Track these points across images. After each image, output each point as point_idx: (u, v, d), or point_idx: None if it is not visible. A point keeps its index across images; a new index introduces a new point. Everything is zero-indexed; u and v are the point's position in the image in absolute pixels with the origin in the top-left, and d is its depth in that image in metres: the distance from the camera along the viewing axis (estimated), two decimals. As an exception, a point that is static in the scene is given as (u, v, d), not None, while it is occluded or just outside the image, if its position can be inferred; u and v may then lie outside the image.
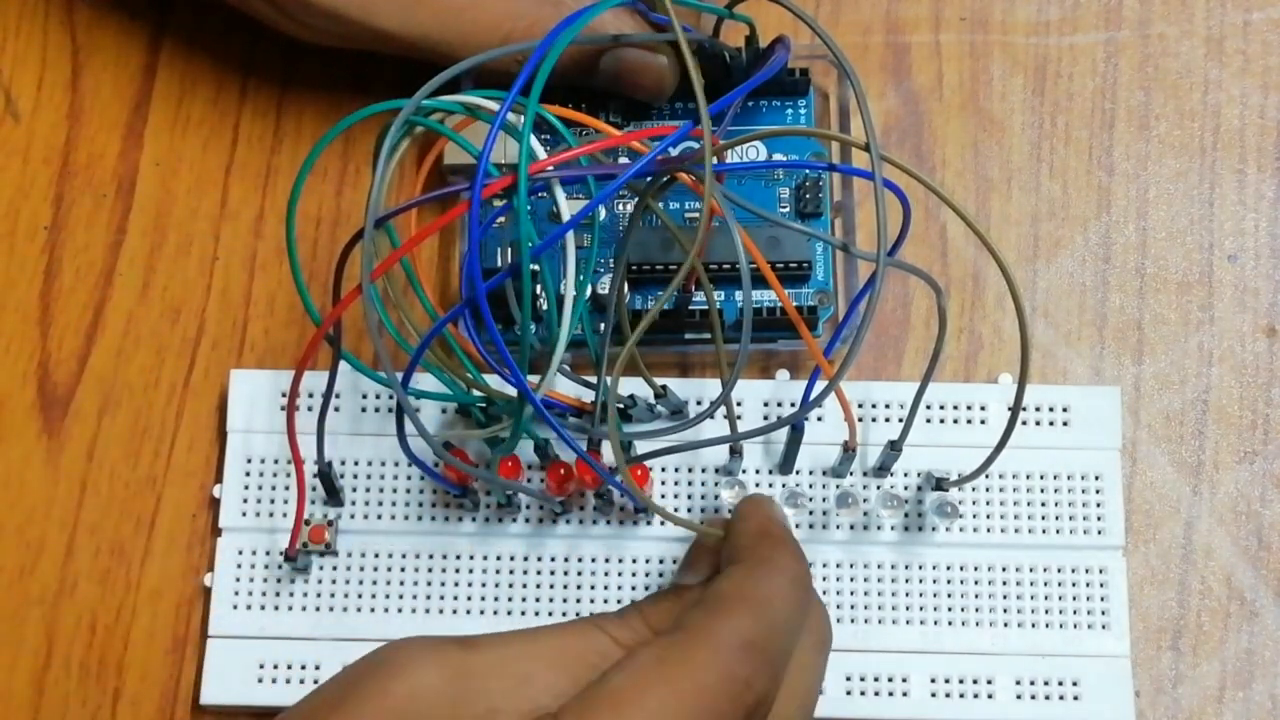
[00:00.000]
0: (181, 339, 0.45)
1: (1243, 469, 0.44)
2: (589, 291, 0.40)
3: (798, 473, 0.42)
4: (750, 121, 0.45)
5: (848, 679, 0.41)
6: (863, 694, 0.41)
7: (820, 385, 0.39)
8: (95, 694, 0.43)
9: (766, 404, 0.43)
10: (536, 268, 0.36)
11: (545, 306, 0.39)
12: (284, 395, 0.43)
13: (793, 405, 0.43)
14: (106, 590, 0.43)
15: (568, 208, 0.35)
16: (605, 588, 0.42)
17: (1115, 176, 0.46)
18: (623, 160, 0.43)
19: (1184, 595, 0.43)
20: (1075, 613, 0.42)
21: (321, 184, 0.46)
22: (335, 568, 0.42)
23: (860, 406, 0.43)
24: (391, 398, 0.43)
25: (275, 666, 0.42)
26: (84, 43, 0.48)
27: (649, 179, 0.37)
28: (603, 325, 0.39)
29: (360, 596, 0.42)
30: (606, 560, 0.42)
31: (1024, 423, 0.43)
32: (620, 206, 0.44)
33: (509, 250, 0.43)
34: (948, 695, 0.41)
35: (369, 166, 0.46)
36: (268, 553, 0.43)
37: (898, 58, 0.47)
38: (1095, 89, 0.47)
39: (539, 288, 0.40)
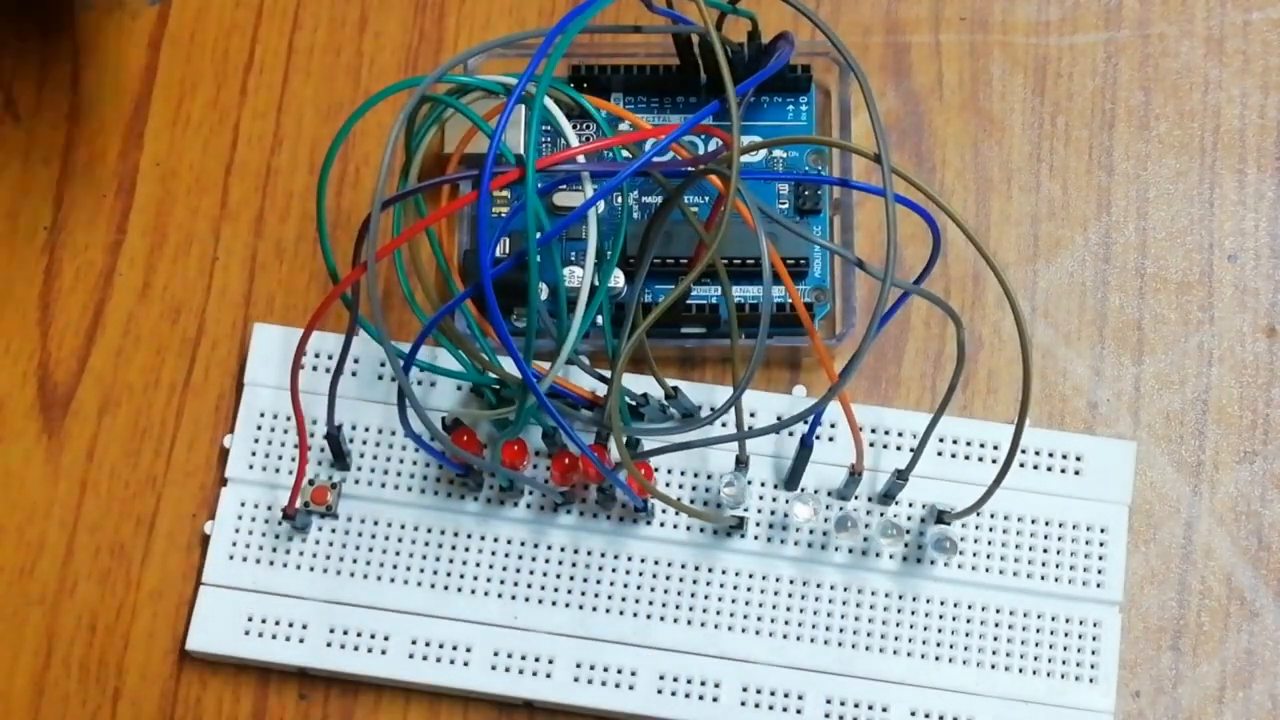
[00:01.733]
0: (181, 339, 0.45)
1: (1243, 469, 0.44)
2: (596, 282, 0.40)
3: (802, 490, 0.42)
4: (751, 117, 0.45)
5: (828, 701, 0.41)
6: (841, 718, 0.41)
7: (826, 390, 0.39)
8: (95, 694, 0.43)
9: (780, 417, 0.43)
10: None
11: (544, 296, 0.40)
12: (316, 355, 0.44)
13: (805, 422, 0.42)
14: (106, 590, 0.43)
15: (590, 191, 0.35)
16: (599, 583, 0.42)
17: (1115, 176, 0.46)
18: (625, 155, 0.43)
19: (1184, 595, 0.43)
20: (1064, 663, 0.41)
21: (321, 184, 0.46)
22: (334, 530, 0.43)
23: (873, 431, 0.43)
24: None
25: (264, 621, 0.42)
26: (84, 43, 0.48)
27: (680, 179, 0.37)
28: (604, 319, 0.39)
29: (355, 562, 0.42)
30: (603, 555, 0.42)
31: (1035, 467, 0.42)
32: (618, 200, 0.44)
33: (509, 240, 0.43)
34: (926, 730, 0.41)
35: (370, 167, 0.46)
36: (269, 508, 0.43)
37: (898, 58, 0.47)
38: (1095, 89, 0.47)
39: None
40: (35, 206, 0.46)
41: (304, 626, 0.42)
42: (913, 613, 0.42)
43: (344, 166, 0.46)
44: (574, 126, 0.40)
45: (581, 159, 0.36)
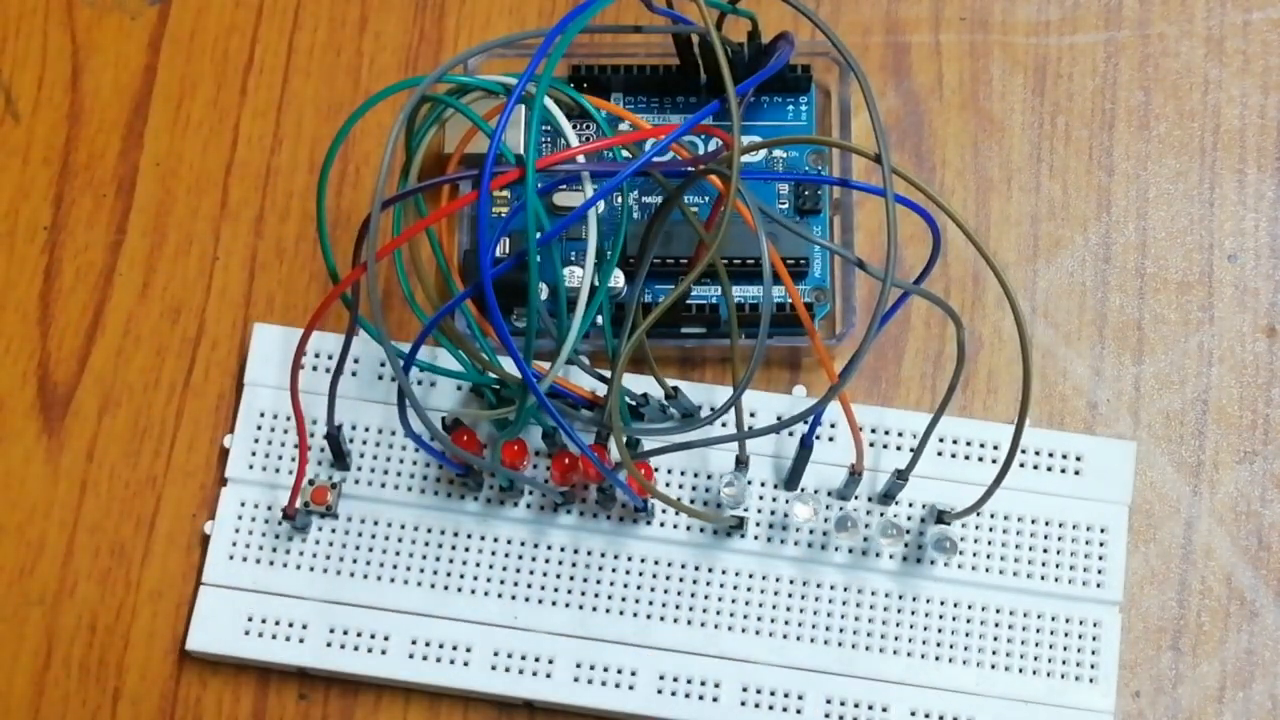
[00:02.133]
0: (181, 339, 0.45)
1: (1243, 469, 0.44)
2: (596, 282, 0.40)
3: (802, 490, 0.42)
4: (752, 117, 0.45)
5: (828, 701, 0.41)
6: (841, 718, 0.41)
7: (826, 390, 0.39)
8: (95, 694, 0.43)
9: (780, 417, 0.43)
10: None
11: (544, 296, 0.40)
12: (316, 355, 0.44)
13: (804, 423, 0.42)
14: (106, 590, 0.43)
15: (590, 191, 0.35)
16: (599, 583, 0.42)
17: (1115, 176, 0.46)
18: (625, 155, 0.43)
19: (1184, 595, 0.43)
20: (1064, 663, 0.41)
21: (322, 184, 0.46)
22: (334, 530, 0.43)
23: (873, 431, 0.43)
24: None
25: (264, 621, 0.42)
26: (84, 43, 0.48)
27: (680, 179, 0.37)
28: (604, 319, 0.39)
29: (355, 562, 0.42)
30: (603, 555, 0.42)
31: (1035, 467, 0.43)
32: (618, 200, 0.44)
33: (509, 240, 0.43)
34: (926, 730, 0.41)
35: (370, 167, 0.46)
36: (269, 508, 0.43)
37: (898, 58, 0.47)
38: (1095, 89, 0.47)
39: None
40: (35, 206, 0.46)
41: (304, 626, 0.42)
42: (913, 613, 0.42)
43: (344, 166, 0.46)
44: (574, 126, 0.40)
45: (581, 159, 0.36)
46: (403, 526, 0.43)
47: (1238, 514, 0.43)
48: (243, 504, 0.43)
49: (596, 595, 0.42)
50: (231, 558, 0.43)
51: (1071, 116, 0.46)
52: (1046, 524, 0.42)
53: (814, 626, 0.42)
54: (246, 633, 0.42)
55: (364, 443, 0.43)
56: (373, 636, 0.42)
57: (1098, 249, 0.45)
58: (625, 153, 0.40)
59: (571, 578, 0.42)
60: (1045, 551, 0.42)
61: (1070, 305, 0.45)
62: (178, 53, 0.47)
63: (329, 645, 0.42)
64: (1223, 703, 0.42)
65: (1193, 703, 0.42)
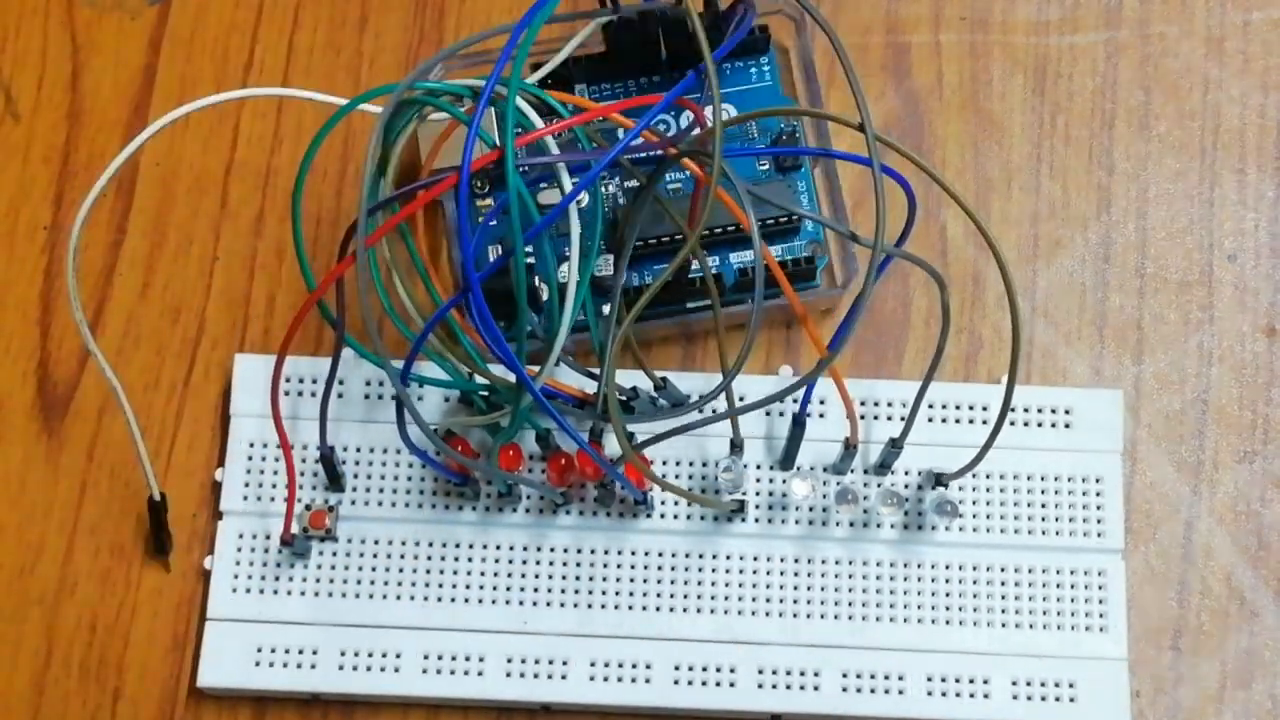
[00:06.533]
0: (181, 339, 0.45)
1: (1243, 469, 0.44)
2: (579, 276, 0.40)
3: (798, 468, 0.42)
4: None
5: (844, 676, 0.41)
6: (859, 691, 0.41)
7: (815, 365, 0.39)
8: (95, 694, 0.43)
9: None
10: (532, 260, 0.36)
11: (545, 295, 0.39)
12: (286, 380, 0.43)
13: (795, 401, 0.43)
14: (106, 590, 0.43)
15: (567, 181, 0.35)
16: (604, 580, 0.42)
17: (1115, 176, 0.46)
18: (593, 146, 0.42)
19: (1184, 595, 0.43)
20: (1073, 615, 0.42)
21: (321, 184, 0.46)
22: (335, 554, 0.42)
23: (863, 404, 0.43)
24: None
25: (273, 651, 0.42)
26: (84, 43, 0.48)
27: (655, 166, 0.37)
28: (604, 308, 0.39)
29: (360, 583, 0.42)
30: (606, 552, 0.42)
31: (1025, 424, 0.43)
32: (604, 188, 0.43)
33: (503, 246, 0.43)
34: (944, 694, 0.41)
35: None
36: (268, 537, 0.43)
37: (898, 58, 0.47)
38: (1095, 89, 0.47)
39: (536, 278, 0.40)
40: (35, 206, 0.46)
41: (314, 652, 0.42)
42: (919, 579, 0.42)
43: (344, 167, 0.46)
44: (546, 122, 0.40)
45: (556, 149, 0.36)
46: (403, 543, 0.42)
47: (1238, 514, 0.43)
48: (240, 535, 0.43)
49: (603, 592, 0.42)
50: (235, 590, 0.42)
51: (1071, 116, 0.46)
52: (1042, 479, 0.42)
53: (822, 603, 0.42)
54: (257, 664, 0.42)
55: (356, 463, 0.43)
56: (384, 655, 0.42)
57: (1098, 249, 0.45)
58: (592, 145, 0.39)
59: (577, 577, 0.42)
60: (1044, 506, 0.42)
61: (1070, 305, 0.45)
62: (178, 53, 0.47)
63: (340, 669, 0.42)
64: (1223, 703, 0.42)
65: (1193, 703, 0.42)
